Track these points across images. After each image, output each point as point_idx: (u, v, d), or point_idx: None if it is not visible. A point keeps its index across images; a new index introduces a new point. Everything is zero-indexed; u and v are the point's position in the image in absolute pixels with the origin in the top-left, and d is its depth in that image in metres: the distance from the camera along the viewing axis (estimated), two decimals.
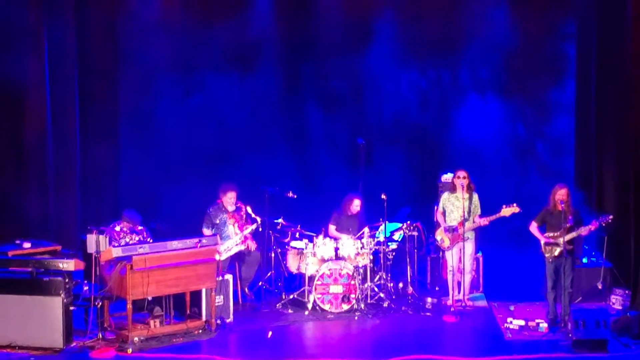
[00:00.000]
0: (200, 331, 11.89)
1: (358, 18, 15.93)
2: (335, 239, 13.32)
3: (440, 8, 15.88)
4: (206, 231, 13.10)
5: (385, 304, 12.96)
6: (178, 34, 15.95)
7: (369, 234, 13.29)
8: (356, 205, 13.63)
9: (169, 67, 16.02)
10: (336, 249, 13.13)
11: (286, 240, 13.61)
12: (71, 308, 11.30)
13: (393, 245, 13.49)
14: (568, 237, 11.86)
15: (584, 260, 13.46)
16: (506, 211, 12.54)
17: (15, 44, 13.78)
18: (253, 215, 13.26)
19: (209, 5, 15.99)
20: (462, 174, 12.91)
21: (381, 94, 16.28)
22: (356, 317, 12.65)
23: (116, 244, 12.07)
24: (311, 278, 12.97)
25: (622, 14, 13.40)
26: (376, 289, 13.14)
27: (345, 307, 12.77)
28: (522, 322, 12.14)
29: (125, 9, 15.59)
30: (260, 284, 13.55)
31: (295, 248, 13.48)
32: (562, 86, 15.63)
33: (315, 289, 12.81)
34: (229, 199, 13.26)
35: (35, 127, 14.08)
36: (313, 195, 15.03)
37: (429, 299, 13.18)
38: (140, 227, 12.77)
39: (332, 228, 13.71)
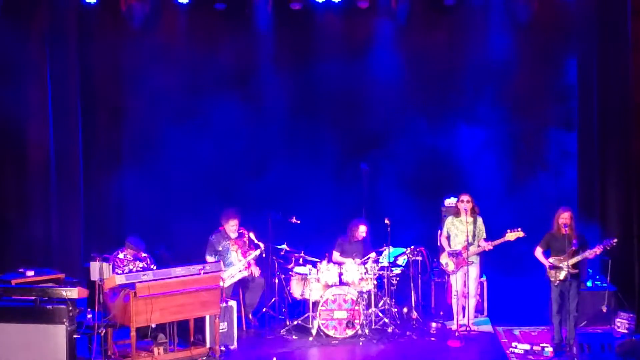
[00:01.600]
0: (205, 358, 11.87)
1: (359, 40, 15.97)
2: (340, 264, 13.30)
3: (441, 33, 15.97)
4: (209, 258, 13.08)
5: (390, 329, 12.92)
6: (180, 61, 16.03)
7: (374, 258, 13.27)
8: (362, 231, 13.62)
9: (172, 95, 16.07)
10: (340, 275, 13.11)
11: (290, 266, 13.57)
12: (75, 336, 11.25)
13: (397, 270, 13.46)
14: (572, 261, 11.83)
15: (589, 284, 13.42)
16: (511, 235, 12.53)
17: (19, 75, 13.84)
18: (256, 241, 13.24)
19: (211, 30, 16.06)
20: (465, 197, 12.91)
21: (385, 119, 16.27)
22: (361, 343, 12.62)
23: (120, 272, 12.06)
24: (315, 304, 12.94)
25: (623, 39, 13.47)
26: (380, 314, 13.10)
27: (349, 332, 12.74)
28: (527, 347, 12.11)
29: (127, 39, 15.66)
30: (264, 310, 13.51)
31: (299, 274, 13.44)
32: (564, 110, 15.64)
33: (320, 314, 12.78)
34: (231, 227, 13.25)
35: (38, 155, 14.14)
36: (316, 220, 15.04)
37: (434, 324, 13.15)
38: (144, 254, 12.75)
39: (336, 254, 13.68)
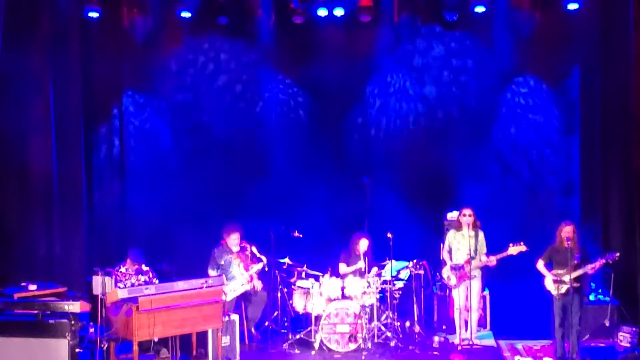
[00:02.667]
0: None
1: (361, 53, 16.01)
2: (343, 276, 13.30)
3: (443, 47, 16.01)
4: (211, 272, 13.08)
5: (393, 343, 12.92)
6: (182, 74, 16.08)
7: (376, 272, 13.27)
8: (364, 245, 13.61)
9: (174, 109, 16.11)
10: (342, 288, 13.11)
11: (292, 279, 13.57)
12: (77, 350, 11.20)
13: (400, 284, 13.46)
14: (575, 274, 11.84)
15: (591, 297, 13.42)
16: (513, 250, 12.52)
17: (21, 89, 13.86)
18: (258, 255, 13.25)
19: (213, 44, 16.11)
20: (467, 211, 12.91)
21: (388, 132, 16.28)
22: (363, 357, 12.59)
23: (122, 285, 12.06)
24: (318, 317, 12.94)
25: (625, 50, 13.51)
26: (383, 328, 13.09)
27: (352, 346, 12.72)
28: None
29: (130, 53, 15.71)
30: (266, 324, 13.50)
31: (301, 287, 13.44)
32: (567, 125, 15.64)
33: (322, 328, 12.77)
34: (233, 240, 13.24)
35: (40, 168, 14.13)
36: (319, 234, 15.04)
37: (436, 338, 13.13)
38: (146, 268, 12.76)
39: (342, 266, 13.65)
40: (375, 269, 13.40)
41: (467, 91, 16.00)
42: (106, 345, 11.51)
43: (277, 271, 13.43)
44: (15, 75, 13.73)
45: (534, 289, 13.33)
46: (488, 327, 13.82)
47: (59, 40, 14.44)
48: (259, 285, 13.29)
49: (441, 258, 13.44)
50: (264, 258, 13.25)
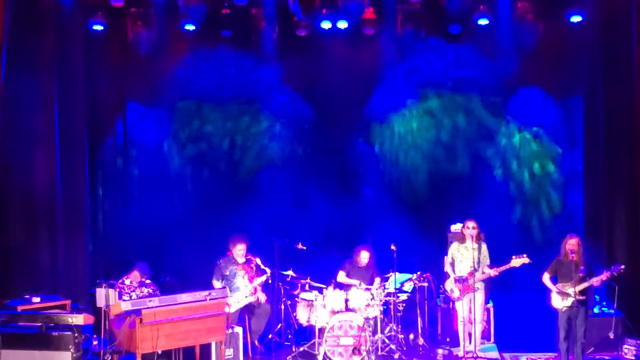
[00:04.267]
0: None
1: (365, 66, 16.05)
2: (344, 286, 13.29)
3: (447, 60, 16.05)
4: (216, 283, 13.08)
5: (396, 356, 12.89)
6: (186, 87, 16.13)
7: (379, 284, 13.26)
8: (364, 257, 13.60)
9: (178, 123, 16.16)
10: (346, 301, 13.09)
11: (296, 292, 13.56)
12: None
13: (403, 296, 13.45)
14: (580, 287, 11.83)
15: (596, 310, 13.39)
16: (516, 262, 12.49)
17: (26, 102, 13.90)
18: (262, 267, 13.24)
19: (217, 57, 16.15)
20: (471, 224, 12.89)
21: (392, 144, 16.29)
22: None
23: (126, 298, 12.06)
24: (321, 330, 12.91)
25: (628, 64, 13.55)
26: (387, 340, 13.07)
27: (356, 359, 12.68)
28: None
29: (134, 65, 15.76)
30: (270, 336, 13.49)
31: (305, 300, 13.43)
32: (571, 137, 15.65)
33: (326, 340, 12.74)
34: (239, 251, 13.25)
35: (45, 182, 14.15)
36: (323, 246, 15.04)
37: (440, 350, 13.11)
38: (148, 281, 12.77)
39: (341, 274, 13.65)
40: (378, 280, 13.38)
41: (471, 103, 16.01)
42: (109, 358, 11.51)
43: (280, 283, 13.43)
44: (20, 89, 13.77)
45: (539, 301, 13.34)
46: (492, 339, 13.78)
47: (64, 54, 14.49)
48: (262, 297, 13.29)
49: (445, 270, 13.42)
50: (267, 270, 13.25)
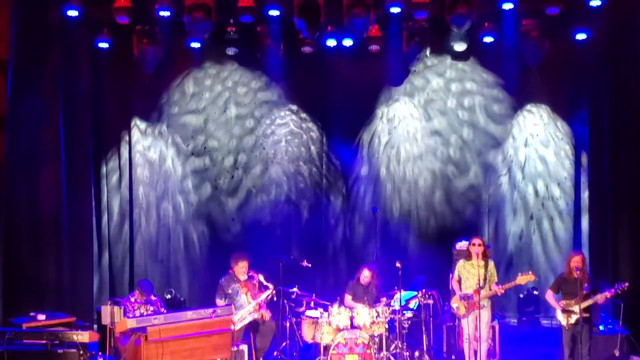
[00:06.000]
0: None
1: (370, 83, 16.09)
2: (351, 308, 13.27)
3: (452, 77, 16.10)
4: (219, 302, 13.05)
5: None
6: (192, 105, 16.18)
7: (385, 302, 13.24)
8: (365, 276, 13.57)
9: (183, 138, 16.20)
10: (351, 318, 13.05)
11: (301, 309, 13.53)
12: None
13: (408, 314, 13.41)
14: (584, 304, 11.81)
15: (601, 327, 13.36)
16: (522, 279, 12.47)
17: (31, 118, 13.96)
18: (265, 283, 13.20)
19: (222, 74, 16.22)
20: (477, 241, 12.86)
21: (397, 160, 16.28)
22: None
23: (131, 315, 12.05)
24: (326, 347, 12.87)
25: (634, 82, 13.60)
26: (392, 358, 13.02)
27: None
28: None
29: (140, 82, 15.82)
30: (275, 354, 13.45)
31: (310, 317, 13.40)
32: (576, 155, 15.66)
33: (331, 358, 12.70)
34: (241, 269, 13.21)
35: (50, 198, 14.20)
36: (328, 263, 15.03)
37: None
38: (153, 298, 12.76)
39: (348, 298, 13.63)
40: (383, 300, 13.37)
41: (476, 120, 16.04)
42: None
43: (285, 301, 13.39)
44: (25, 107, 13.82)
45: (544, 318, 13.34)
46: (498, 357, 13.74)
47: (69, 71, 14.56)
48: (267, 315, 13.26)
49: (450, 288, 13.40)
50: (270, 286, 13.20)
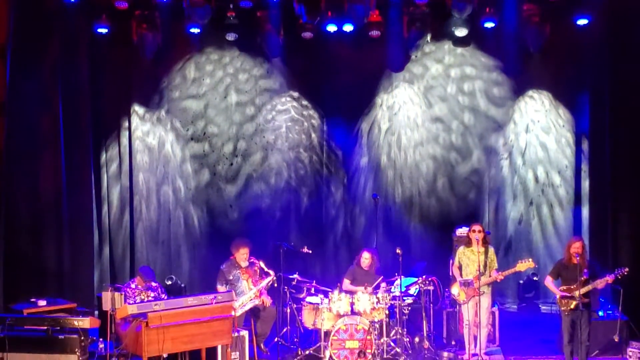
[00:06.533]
0: None
1: (370, 69, 16.07)
2: (350, 293, 13.28)
3: (453, 63, 16.09)
4: (220, 288, 13.06)
5: (402, 359, 12.88)
6: (192, 90, 16.16)
7: (384, 288, 13.25)
8: (365, 258, 13.59)
9: (182, 123, 16.19)
10: (352, 304, 13.06)
11: (301, 295, 13.54)
12: None
13: (409, 300, 13.42)
14: (584, 290, 11.82)
15: (600, 313, 13.37)
16: (521, 266, 12.49)
17: (31, 104, 13.97)
18: (266, 270, 13.21)
19: (222, 59, 16.18)
20: (477, 227, 12.86)
21: (398, 147, 16.27)
22: None
23: (132, 301, 12.06)
24: (327, 333, 12.89)
25: (636, 67, 13.57)
26: (392, 344, 13.05)
27: None
28: None
29: (139, 68, 15.80)
30: (276, 339, 13.46)
31: (310, 303, 13.41)
32: (577, 140, 15.66)
33: (331, 344, 12.72)
34: (242, 255, 13.21)
35: (50, 185, 14.21)
36: (328, 250, 15.03)
37: (446, 354, 13.08)
38: (154, 284, 12.77)
39: (346, 282, 13.66)
40: (383, 285, 13.38)
41: (477, 106, 16.03)
42: None
43: (286, 287, 13.39)
44: (25, 93, 13.82)
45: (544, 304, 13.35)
46: (497, 343, 13.77)
47: (68, 57, 14.55)
48: (267, 301, 13.27)
49: (451, 274, 13.42)
50: (271, 272, 13.21)
